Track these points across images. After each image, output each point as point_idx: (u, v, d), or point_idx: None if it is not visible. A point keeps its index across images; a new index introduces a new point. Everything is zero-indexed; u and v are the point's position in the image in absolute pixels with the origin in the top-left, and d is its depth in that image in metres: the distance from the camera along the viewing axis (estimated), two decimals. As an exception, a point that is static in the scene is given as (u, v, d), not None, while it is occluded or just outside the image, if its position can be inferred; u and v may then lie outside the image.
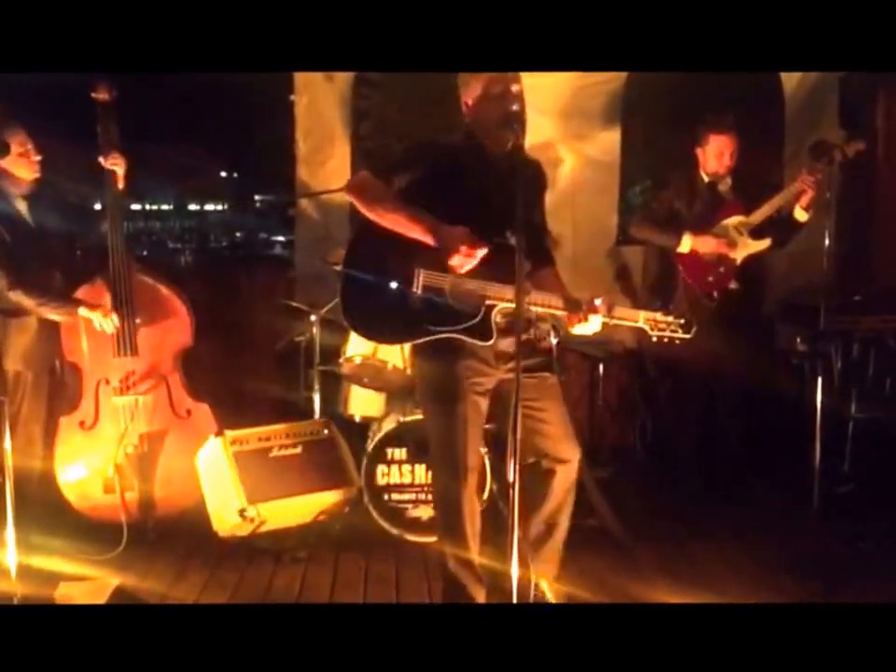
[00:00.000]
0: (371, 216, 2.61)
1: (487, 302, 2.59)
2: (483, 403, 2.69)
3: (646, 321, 2.63)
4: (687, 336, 2.61)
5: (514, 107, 2.57)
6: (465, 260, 2.51)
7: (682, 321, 2.61)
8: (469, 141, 2.69)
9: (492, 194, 2.58)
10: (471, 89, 2.63)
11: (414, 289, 2.61)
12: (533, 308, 2.64)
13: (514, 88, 2.60)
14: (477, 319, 2.59)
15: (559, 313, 2.62)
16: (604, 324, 2.59)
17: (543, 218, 2.84)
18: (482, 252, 2.51)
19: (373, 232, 2.61)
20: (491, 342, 2.60)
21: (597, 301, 2.56)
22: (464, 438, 2.65)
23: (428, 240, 2.53)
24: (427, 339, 2.62)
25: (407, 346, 3.87)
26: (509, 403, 2.24)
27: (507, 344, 2.62)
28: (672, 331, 2.61)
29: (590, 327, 2.58)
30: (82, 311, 3.53)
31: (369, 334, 2.87)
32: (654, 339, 2.63)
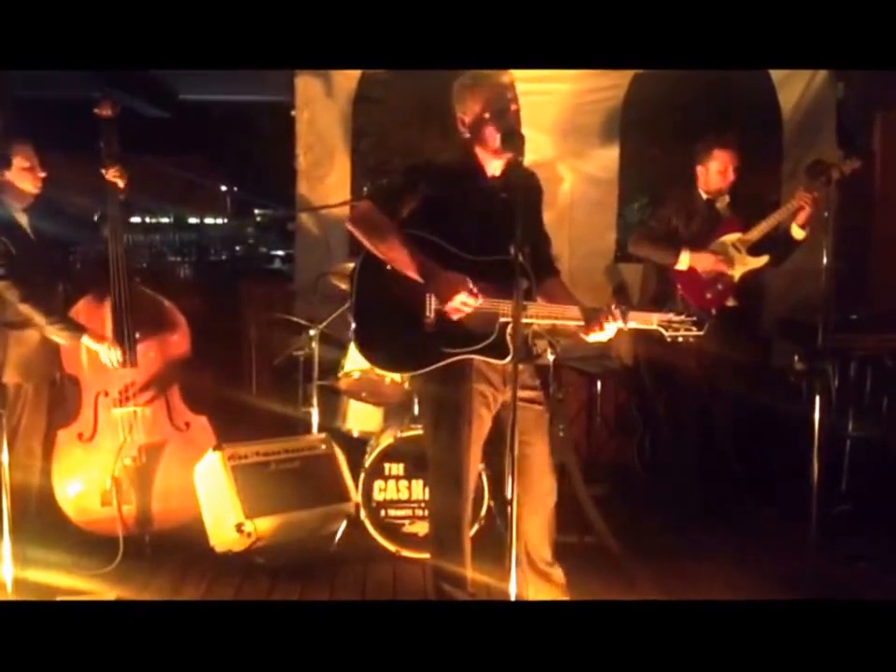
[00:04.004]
0: (372, 249, 2.61)
1: (501, 320, 2.59)
2: (487, 422, 2.69)
3: (660, 323, 2.67)
4: (700, 333, 2.66)
5: (513, 124, 2.58)
6: (461, 308, 2.53)
7: (694, 319, 2.67)
8: (467, 159, 2.69)
9: (492, 210, 2.60)
10: (468, 106, 2.64)
11: (428, 314, 2.59)
12: (550, 321, 2.66)
13: (513, 106, 2.63)
14: (492, 338, 2.59)
15: (576, 323, 2.63)
16: (619, 330, 2.61)
17: (544, 230, 2.85)
18: (478, 301, 2.53)
19: (379, 260, 2.62)
20: (508, 359, 2.57)
21: (612, 308, 2.60)
22: (466, 458, 2.65)
23: (423, 283, 2.54)
24: (445, 362, 2.60)
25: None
26: (505, 426, 2.25)
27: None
28: (686, 330, 2.66)
29: (605, 334, 2.60)
30: (86, 340, 3.55)
31: (388, 366, 2.86)
32: (669, 339, 2.67)
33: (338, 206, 4.94)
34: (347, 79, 4.99)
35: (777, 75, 4.92)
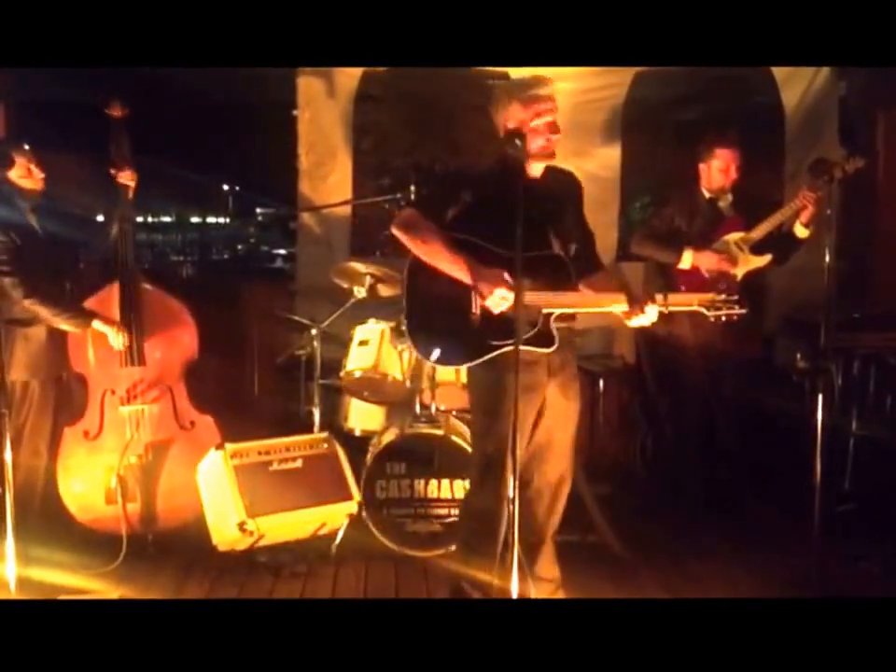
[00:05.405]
0: (415, 251, 2.71)
1: (544, 311, 2.67)
2: (532, 414, 2.75)
3: (701, 303, 2.74)
4: (744, 311, 2.73)
5: (556, 128, 2.72)
6: (501, 303, 2.61)
7: (736, 297, 2.74)
8: (509, 163, 2.72)
9: (533, 210, 2.64)
10: (517, 115, 2.72)
11: (474, 311, 2.68)
12: (591, 309, 2.75)
13: (554, 115, 2.74)
14: (537, 328, 2.67)
15: (619, 308, 2.70)
16: (660, 313, 2.69)
17: (588, 225, 2.94)
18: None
19: (424, 261, 2.71)
20: (553, 348, 2.68)
21: (653, 291, 2.70)
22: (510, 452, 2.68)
23: (466, 280, 2.64)
24: (493, 354, 2.68)
25: (411, 358, 3.89)
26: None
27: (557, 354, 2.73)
28: (729, 308, 2.72)
29: (647, 318, 2.69)
30: (96, 324, 3.56)
31: (440, 360, 2.89)
32: (712, 318, 2.74)
33: (340, 205, 4.95)
34: (349, 78, 4.98)
35: (779, 73, 4.91)
